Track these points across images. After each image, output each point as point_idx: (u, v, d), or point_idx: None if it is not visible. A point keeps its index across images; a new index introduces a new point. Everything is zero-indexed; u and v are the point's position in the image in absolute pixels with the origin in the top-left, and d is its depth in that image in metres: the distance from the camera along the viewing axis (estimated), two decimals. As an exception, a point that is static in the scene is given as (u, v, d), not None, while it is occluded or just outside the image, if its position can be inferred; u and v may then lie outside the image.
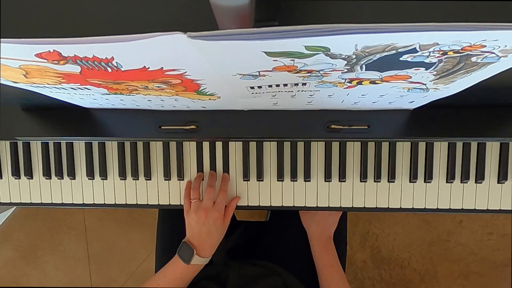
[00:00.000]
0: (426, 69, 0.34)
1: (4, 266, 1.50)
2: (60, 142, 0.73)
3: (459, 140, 0.67)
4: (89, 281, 1.49)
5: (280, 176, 0.70)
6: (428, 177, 0.68)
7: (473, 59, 0.31)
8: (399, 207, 0.70)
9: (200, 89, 0.42)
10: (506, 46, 0.27)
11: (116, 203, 0.73)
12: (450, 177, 0.68)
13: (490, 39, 0.26)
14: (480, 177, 0.67)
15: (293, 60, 0.31)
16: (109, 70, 0.34)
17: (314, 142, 0.69)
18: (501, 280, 1.37)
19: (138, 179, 0.72)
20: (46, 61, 0.31)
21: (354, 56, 0.30)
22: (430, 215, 1.37)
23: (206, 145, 0.71)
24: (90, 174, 0.72)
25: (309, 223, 0.77)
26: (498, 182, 0.68)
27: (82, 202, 0.74)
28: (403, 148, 0.68)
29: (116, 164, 0.72)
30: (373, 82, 0.39)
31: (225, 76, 0.36)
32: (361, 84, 0.40)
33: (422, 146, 0.68)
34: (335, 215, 0.77)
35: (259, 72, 0.34)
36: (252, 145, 0.70)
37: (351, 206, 0.70)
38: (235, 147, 0.70)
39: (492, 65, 0.32)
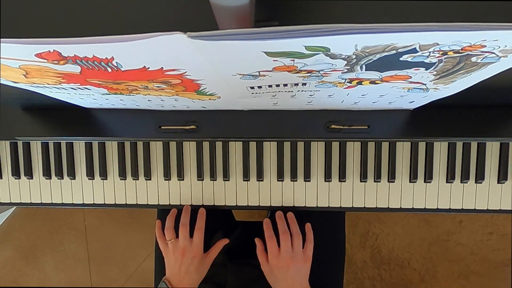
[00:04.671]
0: (426, 69, 0.34)
1: (4, 266, 1.50)
2: (60, 142, 0.73)
3: (459, 140, 0.67)
4: (89, 281, 1.49)
5: (280, 176, 0.70)
6: (428, 177, 0.68)
7: (473, 59, 0.31)
8: (399, 207, 0.70)
9: (200, 89, 0.42)
10: (506, 46, 0.27)
11: (116, 203, 0.73)
12: (450, 177, 0.68)
13: (490, 39, 0.26)
14: (480, 177, 0.67)
15: (293, 60, 0.31)
16: (109, 70, 0.34)
17: (314, 142, 0.69)
18: (501, 280, 1.37)
19: (138, 179, 0.72)
20: (46, 61, 0.31)
21: (354, 56, 0.30)
22: (430, 215, 1.37)
23: (206, 145, 0.71)
24: (90, 174, 0.72)
25: (274, 282, 0.65)
26: (498, 182, 0.68)
27: (82, 202, 0.74)
28: (403, 148, 0.68)
29: (116, 164, 0.72)
30: (373, 82, 0.39)
31: (225, 76, 0.36)
32: (361, 84, 0.40)
33: (422, 146, 0.68)
34: (303, 268, 0.64)
35: (259, 72, 0.34)
36: (252, 145, 0.70)
37: (351, 206, 0.70)
38: (235, 147, 0.70)
39: (492, 65, 0.32)
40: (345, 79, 0.38)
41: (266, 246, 0.67)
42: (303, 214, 0.80)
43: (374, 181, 0.69)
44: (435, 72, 0.35)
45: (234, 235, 0.84)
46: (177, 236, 0.67)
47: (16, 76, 0.37)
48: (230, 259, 0.79)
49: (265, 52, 0.28)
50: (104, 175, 0.72)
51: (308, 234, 0.68)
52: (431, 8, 0.40)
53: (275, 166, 0.70)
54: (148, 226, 1.47)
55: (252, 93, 0.45)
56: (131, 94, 0.46)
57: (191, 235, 0.67)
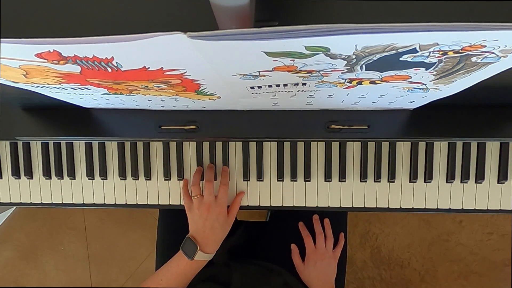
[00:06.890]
0: (426, 69, 0.34)
1: (4, 266, 1.50)
2: (60, 142, 0.73)
3: (459, 140, 0.67)
4: (89, 281, 1.49)
5: (280, 176, 0.70)
6: (428, 177, 0.68)
7: (473, 59, 0.31)
8: (399, 207, 0.70)
9: (200, 89, 0.42)
10: (506, 46, 0.27)
11: (116, 203, 0.73)
12: (450, 177, 0.68)
13: (490, 39, 0.26)
14: (480, 177, 0.67)
15: (293, 60, 0.31)
16: (109, 70, 0.34)
17: (314, 142, 0.69)
18: (501, 280, 1.38)
19: (138, 179, 0.72)
20: (46, 61, 0.31)
21: (354, 56, 0.30)
22: (430, 215, 1.37)
23: (206, 145, 0.71)
24: (90, 174, 0.72)
25: (310, 280, 0.76)
26: (498, 182, 0.68)
27: (82, 202, 0.74)
28: (403, 148, 0.68)
29: (116, 164, 0.72)
30: (373, 82, 0.39)
31: (225, 76, 0.36)
32: (361, 84, 0.40)
33: (422, 146, 0.68)
34: (332, 264, 0.77)
35: (259, 72, 0.34)
36: (252, 145, 0.70)
37: (351, 206, 0.70)
38: (235, 147, 0.70)
39: (492, 65, 0.32)
40: (345, 79, 0.38)
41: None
42: (309, 214, 0.80)
43: (374, 181, 0.69)
44: (435, 72, 0.35)
45: (236, 235, 0.85)
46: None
47: (16, 76, 0.37)
48: (232, 258, 0.79)
49: (265, 52, 0.28)
50: (104, 175, 0.72)
51: (340, 240, 0.80)
52: (431, 8, 0.40)
53: (275, 166, 0.70)
54: (148, 226, 1.47)
55: (252, 93, 0.45)
56: (131, 94, 0.46)
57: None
